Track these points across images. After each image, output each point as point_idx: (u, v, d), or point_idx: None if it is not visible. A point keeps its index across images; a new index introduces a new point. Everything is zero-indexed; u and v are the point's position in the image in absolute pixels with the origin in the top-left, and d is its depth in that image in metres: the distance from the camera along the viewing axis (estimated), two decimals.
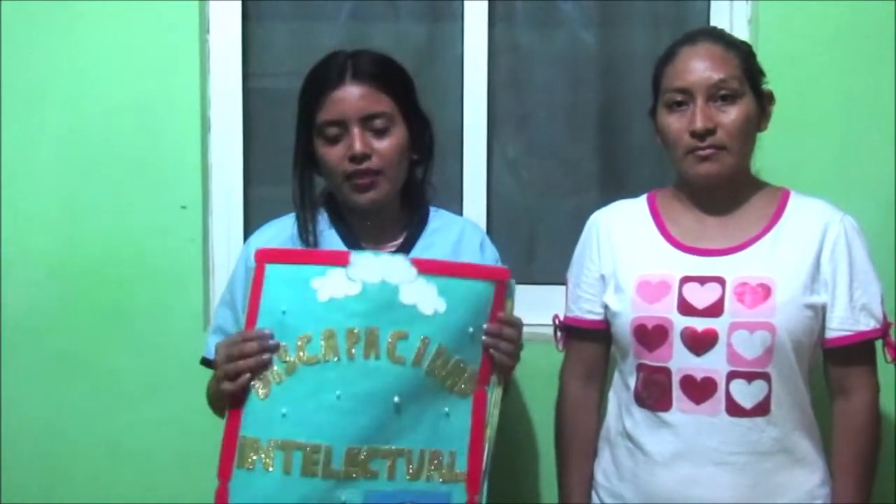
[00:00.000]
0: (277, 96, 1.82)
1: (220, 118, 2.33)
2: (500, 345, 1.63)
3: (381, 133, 1.71)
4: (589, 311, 1.86)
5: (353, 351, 1.56)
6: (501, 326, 1.64)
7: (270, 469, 1.56)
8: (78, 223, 2.27)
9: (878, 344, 1.75)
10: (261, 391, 1.58)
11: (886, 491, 2.22)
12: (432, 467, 1.59)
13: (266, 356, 1.58)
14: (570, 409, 1.89)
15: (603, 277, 1.83)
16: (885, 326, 1.74)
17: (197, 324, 2.28)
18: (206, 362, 1.83)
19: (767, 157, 2.12)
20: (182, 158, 2.27)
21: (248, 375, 1.58)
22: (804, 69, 2.20)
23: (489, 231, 2.38)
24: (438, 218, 1.86)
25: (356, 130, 1.69)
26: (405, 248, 1.77)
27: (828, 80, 2.21)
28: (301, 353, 1.57)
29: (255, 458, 1.56)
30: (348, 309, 1.58)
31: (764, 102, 1.77)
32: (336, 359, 1.56)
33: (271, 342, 1.58)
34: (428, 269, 1.61)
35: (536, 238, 2.47)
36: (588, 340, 1.88)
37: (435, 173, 2.38)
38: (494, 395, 1.64)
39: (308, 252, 1.67)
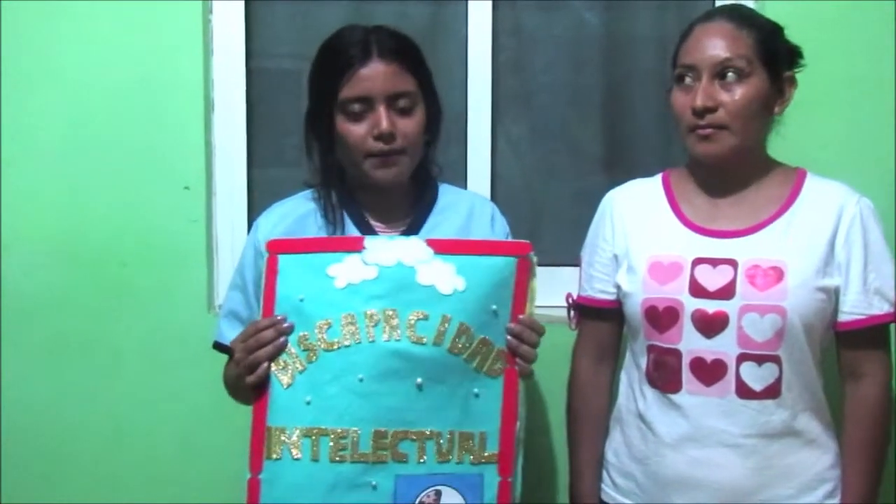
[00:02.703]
0: (281, 76, 1.81)
1: (223, 98, 2.31)
2: (522, 348, 1.61)
3: (405, 112, 1.69)
4: (601, 290, 1.86)
5: (373, 333, 1.55)
6: (524, 328, 1.61)
7: (298, 457, 1.55)
8: (81, 204, 2.25)
9: (893, 327, 1.75)
10: (284, 380, 1.57)
11: (887, 491, 2.22)
12: (463, 449, 1.58)
13: (282, 339, 1.58)
14: (582, 388, 1.90)
15: (616, 257, 1.83)
16: None
17: (200, 304, 2.27)
18: (218, 346, 1.82)
19: (771, 140, 2.13)
20: (185, 139, 2.26)
21: (266, 364, 1.58)
22: (809, 50, 2.18)
23: None
24: (447, 194, 1.85)
25: (382, 109, 1.67)
26: (415, 227, 1.76)
27: (832, 61, 2.20)
28: (321, 340, 1.56)
29: (281, 447, 1.56)
30: (366, 293, 1.57)
31: (783, 85, 1.75)
32: (357, 342, 1.56)
33: (285, 325, 1.58)
34: (444, 248, 1.59)
35: (540, 220, 2.46)
36: (600, 320, 1.88)
37: (439, 155, 2.39)
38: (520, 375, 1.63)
39: (322, 240, 1.65)
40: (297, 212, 1.78)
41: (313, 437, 1.55)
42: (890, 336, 1.76)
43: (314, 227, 1.75)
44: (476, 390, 1.59)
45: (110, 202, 2.25)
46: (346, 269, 1.58)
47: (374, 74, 1.67)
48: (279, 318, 1.59)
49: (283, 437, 1.56)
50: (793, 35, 2.16)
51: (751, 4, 2.24)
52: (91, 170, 2.25)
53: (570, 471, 1.93)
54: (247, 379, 1.59)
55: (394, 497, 1.56)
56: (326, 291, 1.58)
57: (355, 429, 1.55)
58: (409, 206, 1.79)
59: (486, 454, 1.59)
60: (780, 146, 1.98)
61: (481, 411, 1.59)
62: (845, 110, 2.23)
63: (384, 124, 1.66)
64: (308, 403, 1.56)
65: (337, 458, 1.55)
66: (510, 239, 1.85)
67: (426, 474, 1.56)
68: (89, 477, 2.31)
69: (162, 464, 2.30)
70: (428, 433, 1.56)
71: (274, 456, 1.56)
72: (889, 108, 2.21)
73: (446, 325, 1.56)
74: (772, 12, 2.18)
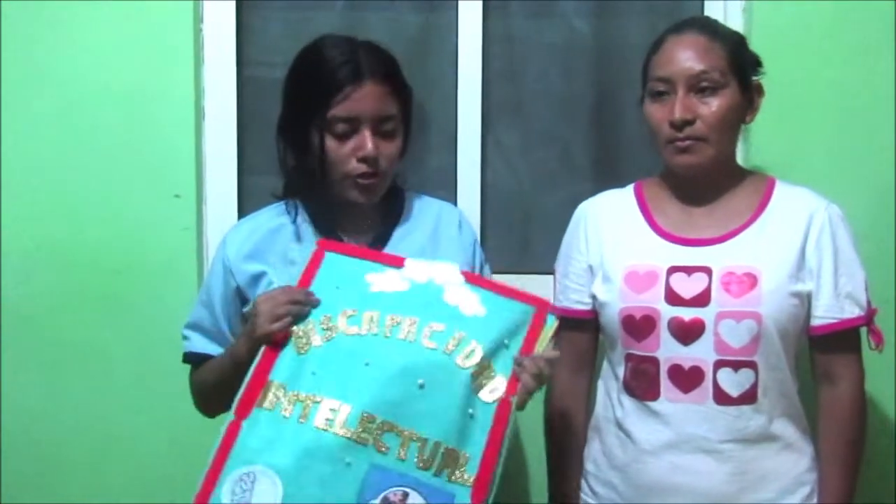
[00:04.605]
0: (272, 85, 1.82)
1: (214, 107, 2.33)
2: (524, 375, 1.60)
3: (388, 135, 1.71)
4: (577, 301, 1.87)
5: (391, 330, 1.60)
6: (531, 360, 1.61)
7: (287, 416, 1.56)
8: (72, 212, 2.27)
9: (865, 331, 1.76)
10: (300, 347, 1.60)
11: (886, 491, 2.23)
12: (445, 465, 1.57)
13: (307, 308, 1.61)
14: (560, 398, 1.90)
15: (591, 268, 1.84)
16: (870, 314, 1.75)
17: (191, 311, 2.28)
18: (186, 357, 1.82)
19: (761, 147, 2.13)
20: (176, 147, 2.27)
21: (289, 318, 1.59)
22: (799, 58, 2.20)
23: (483, 221, 2.40)
24: (414, 204, 1.86)
25: (368, 132, 1.68)
26: (383, 239, 1.78)
27: (822, 68, 2.21)
28: (343, 324, 1.61)
29: (277, 402, 1.57)
30: (394, 301, 1.63)
31: (752, 94, 1.77)
32: (373, 334, 1.60)
33: (314, 297, 1.62)
34: (475, 281, 1.68)
35: (531, 228, 2.47)
36: (577, 330, 1.88)
37: (429, 163, 2.40)
38: (513, 409, 1.63)
39: (369, 251, 1.72)
40: (267, 226, 1.78)
41: (306, 404, 1.56)
42: (861, 340, 1.77)
43: (287, 241, 1.76)
44: (471, 410, 1.60)
45: (101, 210, 2.27)
46: (382, 279, 1.66)
47: (365, 96, 1.68)
48: (310, 291, 1.63)
49: (280, 393, 1.58)
50: (784, 41, 2.18)
51: (738, 13, 2.25)
52: (82, 178, 2.26)
53: (549, 480, 1.94)
54: (268, 326, 1.58)
55: (362, 483, 1.53)
56: (360, 290, 1.64)
57: (347, 405, 1.55)
58: (377, 219, 1.80)
59: (464, 476, 1.58)
60: (772, 153, 1.99)
61: (472, 433, 1.59)
62: (838, 117, 2.22)
63: (370, 148, 1.67)
64: (313, 374, 1.59)
65: (322, 426, 1.54)
66: (477, 244, 1.89)
67: (400, 473, 1.55)
68: (80, 481, 2.32)
69: (153, 469, 2.31)
70: (416, 436, 1.56)
71: (266, 406, 1.57)
72: (884, 115, 2.20)
73: (460, 339, 1.60)
74: (759, 18, 2.20)
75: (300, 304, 1.61)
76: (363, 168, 1.69)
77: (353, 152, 1.68)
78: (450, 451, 1.57)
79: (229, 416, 1.57)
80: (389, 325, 1.60)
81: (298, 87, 1.75)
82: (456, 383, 1.58)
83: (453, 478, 1.57)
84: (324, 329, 1.61)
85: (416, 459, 1.56)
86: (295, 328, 1.61)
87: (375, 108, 1.68)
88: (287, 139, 1.77)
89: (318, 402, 1.56)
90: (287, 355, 1.60)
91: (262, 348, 1.61)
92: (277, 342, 1.60)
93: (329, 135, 1.69)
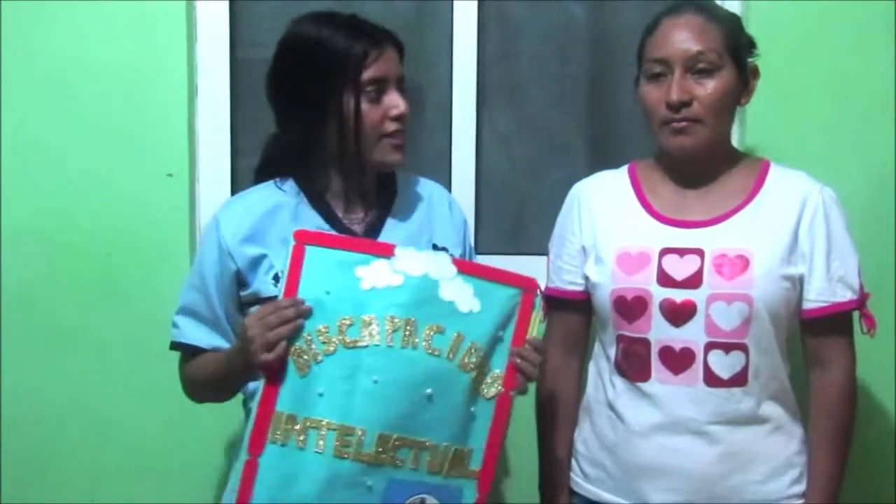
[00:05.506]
0: (264, 65, 1.81)
1: (207, 86, 2.32)
2: (524, 366, 1.63)
3: (406, 97, 1.74)
4: (570, 282, 1.87)
5: (392, 338, 1.57)
6: (528, 349, 1.64)
7: (302, 447, 1.55)
8: (64, 192, 2.25)
9: (857, 315, 1.77)
10: (300, 368, 1.57)
11: (886, 486, 2.23)
12: (452, 464, 1.60)
13: (300, 321, 1.57)
14: (552, 379, 1.90)
15: (584, 249, 1.84)
16: (862, 298, 1.75)
17: None
18: (175, 346, 1.79)
19: (758, 130, 2.12)
20: (168, 126, 2.25)
21: (285, 343, 1.55)
22: (797, 42, 2.19)
23: (478, 202, 2.40)
24: (405, 182, 1.85)
25: (396, 91, 1.71)
26: (379, 221, 1.77)
27: (820, 52, 2.21)
28: (342, 336, 1.57)
29: (289, 434, 1.56)
30: (389, 299, 1.59)
31: (748, 76, 1.77)
32: (375, 344, 1.57)
33: (304, 307, 1.57)
34: (466, 269, 1.64)
35: (525, 210, 2.47)
36: (569, 311, 1.89)
37: (424, 146, 2.39)
38: (512, 402, 1.65)
39: (352, 240, 1.66)
40: (264, 205, 1.75)
41: (321, 430, 1.56)
42: (853, 324, 1.77)
43: (286, 221, 1.73)
44: (473, 409, 1.62)
45: (94, 190, 2.25)
46: (372, 273, 1.60)
47: (391, 57, 1.72)
48: (300, 299, 1.58)
49: (291, 425, 1.56)
50: (782, 24, 2.17)
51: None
52: (74, 158, 2.24)
53: (540, 460, 1.93)
54: (263, 357, 1.54)
55: (384, 498, 1.57)
56: (351, 290, 1.59)
57: (362, 428, 1.55)
58: (373, 197, 1.79)
59: (469, 470, 1.61)
60: (768, 135, 1.98)
61: (474, 430, 1.62)
62: (835, 100, 2.22)
63: (403, 106, 1.71)
64: (321, 395, 1.57)
65: (340, 454, 1.55)
66: (467, 226, 1.90)
67: (416, 481, 1.59)
68: (74, 464, 2.31)
69: (147, 453, 2.30)
70: (426, 443, 1.58)
71: (279, 441, 1.56)
72: (880, 99, 2.20)
73: (460, 342, 1.60)
74: (757, 3, 2.19)
75: (292, 322, 1.56)
76: (396, 126, 1.71)
77: (386, 112, 1.70)
78: (457, 451, 1.61)
79: (244, 455, 1.57)
80: (390, 330, 1.57)
81: (317, 60, 1.70)
82: (460, 387, 1.60)
83: (459, 473, 1.61)
84: (322, 343, 1.58)
85: (426, 465, 1.59)
86: (292, 348, 1.57)
87: (398, 69, 1.73)
88: (306, 116, 1.72)
89: (333, 430, 1.55)
90: (290, 381, 1.57)
91: (262, 382, 1.58)
92: (275, 370, 1.57)
93: (364, 99, 1.69)
